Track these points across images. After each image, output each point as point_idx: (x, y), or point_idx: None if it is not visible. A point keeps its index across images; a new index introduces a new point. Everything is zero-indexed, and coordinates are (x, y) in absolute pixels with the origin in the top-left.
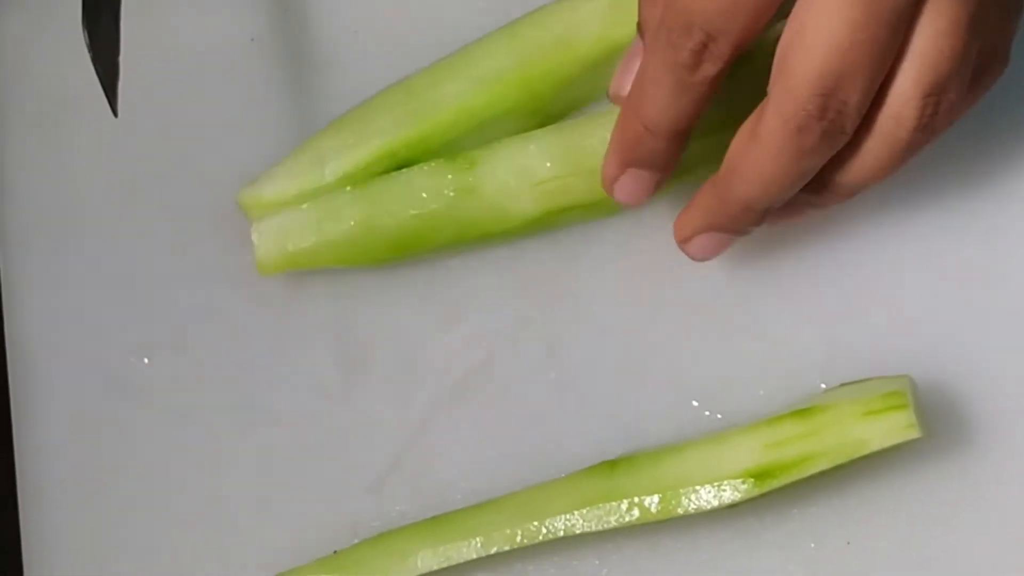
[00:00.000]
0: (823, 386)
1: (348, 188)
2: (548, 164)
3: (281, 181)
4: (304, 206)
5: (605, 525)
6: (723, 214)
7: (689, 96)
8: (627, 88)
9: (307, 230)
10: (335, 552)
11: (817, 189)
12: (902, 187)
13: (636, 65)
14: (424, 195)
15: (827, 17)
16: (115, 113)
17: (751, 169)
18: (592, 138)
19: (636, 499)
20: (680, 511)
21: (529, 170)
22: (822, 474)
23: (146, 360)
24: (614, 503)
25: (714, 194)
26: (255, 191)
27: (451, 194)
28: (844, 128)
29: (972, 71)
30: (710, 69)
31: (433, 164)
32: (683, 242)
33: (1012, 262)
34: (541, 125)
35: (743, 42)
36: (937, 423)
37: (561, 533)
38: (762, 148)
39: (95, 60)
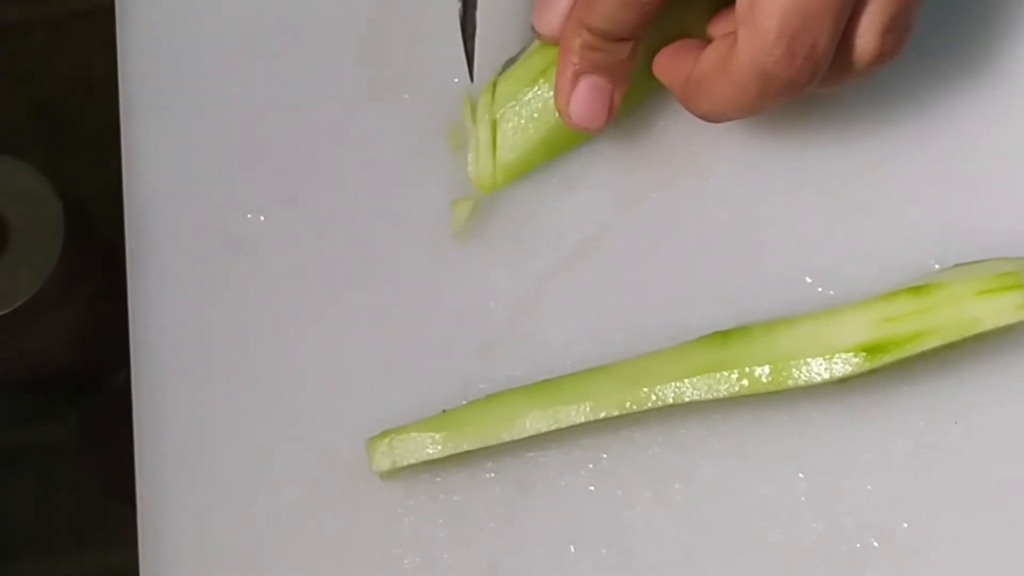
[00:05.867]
0: (936, 266)
1: (540, 80)
2: None
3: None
4: (506, 112)
5: (715, 394)
6: (685, 102)
7: (638, 12)
8: (553, 24)
9: (518, 136)
10: (444, 411)
11: None
12: (1022, 66)
13: (559, 2)
14: None
15: None
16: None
17: (718, 94)
18: None
19: (747, 369)
20: (790, 383)
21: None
22: (933, 353)
23: (262, 217)
24: (724, 373)
25: (682, 92)
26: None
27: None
28: (815, 71)
29: None
30: None
31: None
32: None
33: None
34: None
35: None
36: None
37: (670, 400)
38: (731, 82)
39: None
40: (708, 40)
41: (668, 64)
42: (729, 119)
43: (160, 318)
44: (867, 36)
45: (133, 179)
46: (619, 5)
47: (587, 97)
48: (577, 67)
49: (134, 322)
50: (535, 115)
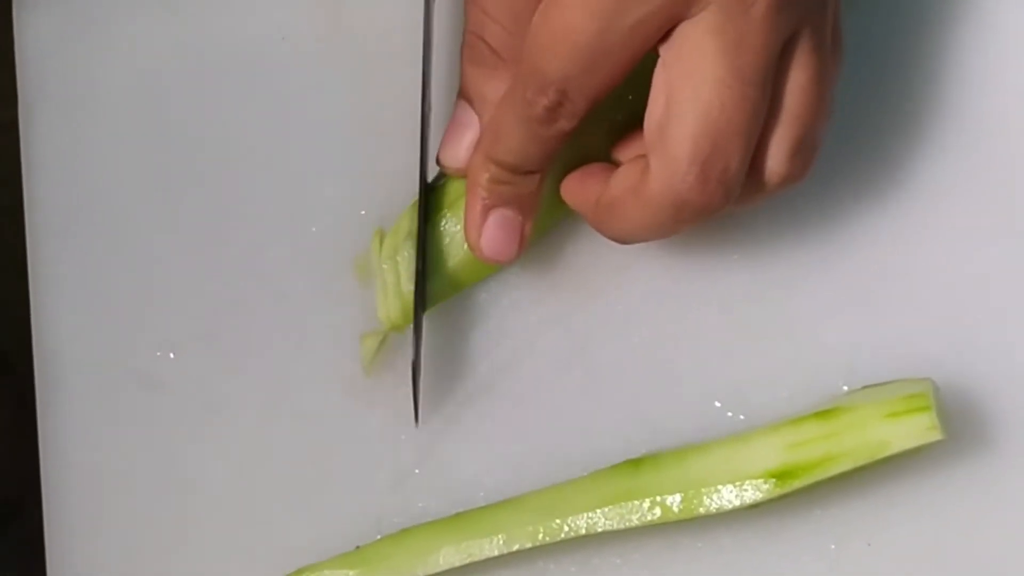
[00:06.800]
0: (845, 388)
1: (447, 214)
2: None
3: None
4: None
5: (627, 524)
6: (596, 225)
7: (544, 146)
8: (460, 158)
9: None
10: (358, 547)
11: None
12: (925, 188)
13: (466, 135)
14: None
15: (696, 80)
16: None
17: (631, 218)
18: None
19: (658, 498)
20: (702, 511)
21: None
22: (844, 475)
23: (172, 355)
24: (636, 502)
25: (593, 216)
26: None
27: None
28: (729, 195)
29: None
30: (565, 125)
31: None
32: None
33: None
34: None
35: (599, 98)
36: (959, 426)
37: (583, 531)
38: (644, 206)
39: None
40: (614, 163)
41: (577, 189)
42: (641, 241)
43: (70, 455)
44: (776, 158)
45: (41, 314)
46: (526, 139)
47: (498, 231)
48: (486, 201)
49: (44, 459)
50: (442, 250)
